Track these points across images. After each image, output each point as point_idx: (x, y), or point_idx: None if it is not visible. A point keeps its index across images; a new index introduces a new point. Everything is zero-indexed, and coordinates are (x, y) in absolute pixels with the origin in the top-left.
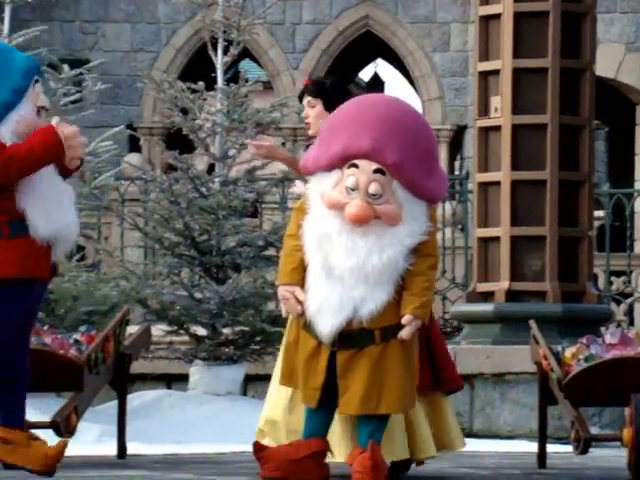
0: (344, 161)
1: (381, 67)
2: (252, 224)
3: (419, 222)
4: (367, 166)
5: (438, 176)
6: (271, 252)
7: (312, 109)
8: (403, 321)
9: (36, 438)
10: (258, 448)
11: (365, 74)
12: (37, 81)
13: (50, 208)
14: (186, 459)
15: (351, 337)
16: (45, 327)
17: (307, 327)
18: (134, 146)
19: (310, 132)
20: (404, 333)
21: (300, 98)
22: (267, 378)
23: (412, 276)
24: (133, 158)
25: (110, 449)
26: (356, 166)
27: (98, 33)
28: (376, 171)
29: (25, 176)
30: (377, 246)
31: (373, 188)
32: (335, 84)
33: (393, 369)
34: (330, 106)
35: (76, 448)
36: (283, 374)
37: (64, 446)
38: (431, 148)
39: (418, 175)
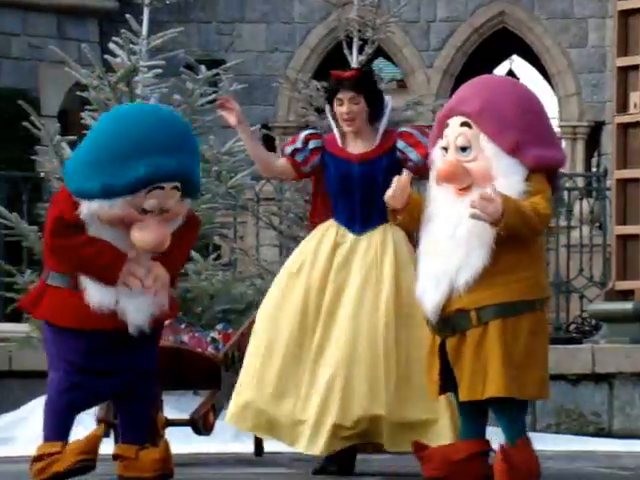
0: (441, 126)
1: (516, 64)
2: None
3: (511, 181)
4: (455, 121)
5: (538, 138)
6: None
7: (356, 105)
8: (468, 212)
9: (146, 447)
10: (418, 447)
11: (500, 71)
12: (159, 188)
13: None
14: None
15: (451, 321)
16: (182, 325)
17: (426, 322)
18: (269, 145)
19: (351, 129)
20: (472, 201)
21: (336, 90)
22: None
23: None
24: None
25: (247, 447)
26: (448, 125)
27: (234, 34)
28: (463, 124)
29: (79, 272)
30: (467, 210)
31: (460, 140)
32: (374, 78)
33: (493, 352)
34: (371, 103)
35: (213, 446)
36: None
37: (167, 446)
38: (527, 107)
39: (502, 126)
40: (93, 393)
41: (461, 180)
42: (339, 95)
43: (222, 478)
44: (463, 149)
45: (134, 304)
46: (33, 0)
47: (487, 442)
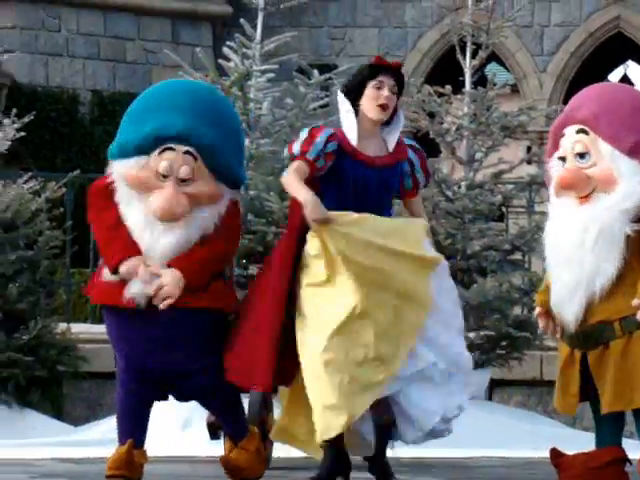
0: (557, 137)
1: (631, 69)
2: (498, 228)
3: (632, 182)
4: (571, 129)
5: None
6: (517, 256)
7: (393, 95)
8: (633, 303)
9: (239, 447)
10: (555, 455)
11: (615, 76)
12: (169, 149)
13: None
14: (432, 463)
15: (595, 333)
16: None
17: (561, 335)
18: None
19: (382, 117)
20: (638, 316)
21: (377, 72)
22: (513, 383)
23: None
24: None
25: None
26: (564, 135)
27: (345, 38)
28: (579, 132)
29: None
30: (592, 215)
31: (578, 147)
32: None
33: (638, 362)
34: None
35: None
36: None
37: (254, 450)
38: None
39: (620, 128)
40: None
41: (582, 187)
42: (381, 78)
43: None
44: (582, 156)
45: (135, 281)
46: (148, 5)
47: (624, 449)
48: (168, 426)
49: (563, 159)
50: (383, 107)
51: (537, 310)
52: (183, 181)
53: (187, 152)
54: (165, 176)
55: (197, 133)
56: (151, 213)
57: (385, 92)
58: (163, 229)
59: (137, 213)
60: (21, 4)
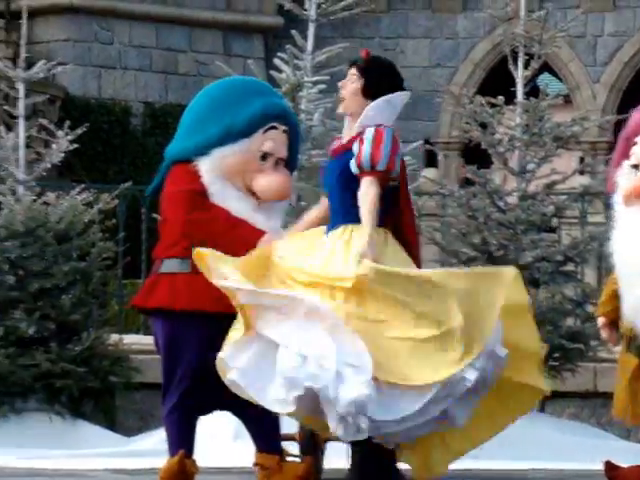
0: (627, 144)
1: None
2: (550, 239)
3: None
4: None
5: None
6: (570, 267)
7: (352, 84)
8: None
9: (287, 460)
10: (609, 467)
11: None
12: (273, 128)
13: None
14: (482, 475)
15: None
16: None
17: (629, 347)
18: (430, 161)
19: (340, 110)
20: None
21: (349, 65)
22: (566, 395)
23: None
24: (430, 173)
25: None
26: (636, 143)
27: (397, 49)
28: None
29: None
30: None
31: None
32: (385, 70)
33: None
34: (369, 91)
35: None
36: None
37: (311, 463)
38: None
39: None
40: (207, 397)
41: None
42: (349, 71)
43: None
44: None
45: None
46: (200, 17)
47: None
48: (219, 437)
49: (636, 167)
50: (339, 99)
51: (601, 321)
52: (277, 163)
53: (284, 131)
54: (264, 158)
55: (291, 112)
56: (261, 195)
57: (340, 83)
58: (265, 213)
59: (235, 203)
60: (74, 17)
